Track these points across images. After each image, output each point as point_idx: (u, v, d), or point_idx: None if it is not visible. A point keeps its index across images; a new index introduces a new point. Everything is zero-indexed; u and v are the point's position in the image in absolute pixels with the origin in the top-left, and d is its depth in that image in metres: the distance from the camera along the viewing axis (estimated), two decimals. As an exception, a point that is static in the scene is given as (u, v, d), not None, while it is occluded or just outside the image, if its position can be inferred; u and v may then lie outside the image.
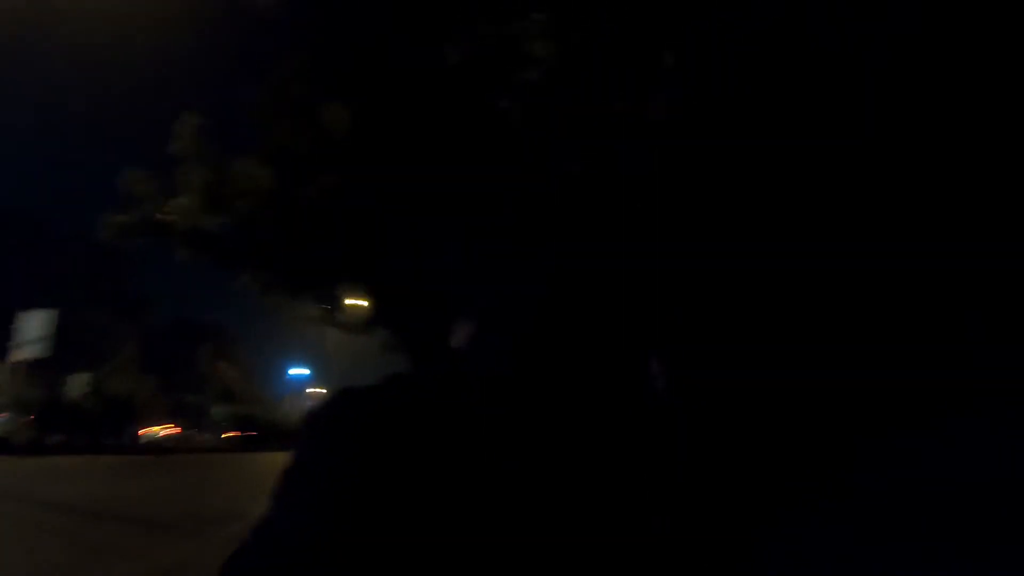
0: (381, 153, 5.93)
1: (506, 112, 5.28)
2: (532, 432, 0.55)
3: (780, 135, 4.24)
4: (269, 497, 0.56)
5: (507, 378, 0.59)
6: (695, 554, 0.54)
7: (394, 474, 0.53)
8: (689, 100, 4.44)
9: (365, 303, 11.25)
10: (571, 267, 0.61)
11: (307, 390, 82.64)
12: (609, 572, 0.52)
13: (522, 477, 0.53)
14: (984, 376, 4.04)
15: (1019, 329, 4.05)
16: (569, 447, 0.55)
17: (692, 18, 4.33)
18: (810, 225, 4.38)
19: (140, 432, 33.79)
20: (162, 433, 36.25)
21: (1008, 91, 3.78)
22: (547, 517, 0.52)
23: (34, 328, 25.71)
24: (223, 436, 40.33)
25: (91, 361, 33.56)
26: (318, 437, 0.58)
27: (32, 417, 23.79)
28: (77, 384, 28.21)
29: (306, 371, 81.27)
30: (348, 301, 11.48)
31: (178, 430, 38.70)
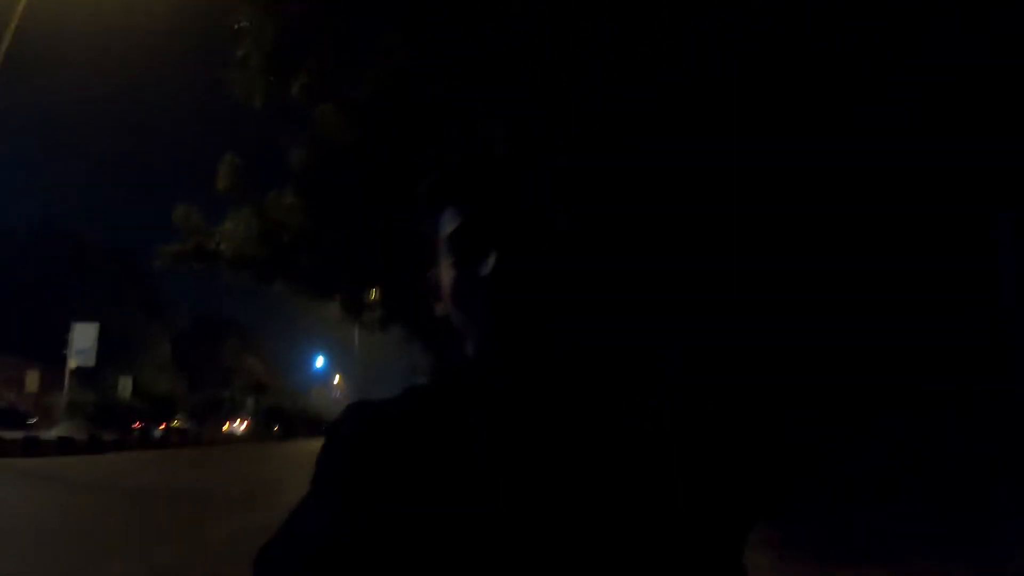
0: (390, 196, 7.16)
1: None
2: (543, 441, 0.56)
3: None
4: (301, 498, 0.60)
5: (516, 386, 0.60)
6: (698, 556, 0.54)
7: (406, 484, 0.55)
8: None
9: (381, 307, 12.64)
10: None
11: (334, 380, 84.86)
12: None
13: (532, 486, 0.54)
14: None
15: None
16: (581, 454, 0.55)
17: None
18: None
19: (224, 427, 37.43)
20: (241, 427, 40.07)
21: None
22: (557, 525, 0.52)
23: (83, 338, 28.41)
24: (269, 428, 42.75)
25: (127, 364, 35.72)
26: (336, 448, 0.61)
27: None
28: (123, 386, 30.60)
29: (324, 361, 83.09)
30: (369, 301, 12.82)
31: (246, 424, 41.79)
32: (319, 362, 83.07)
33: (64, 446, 17.06)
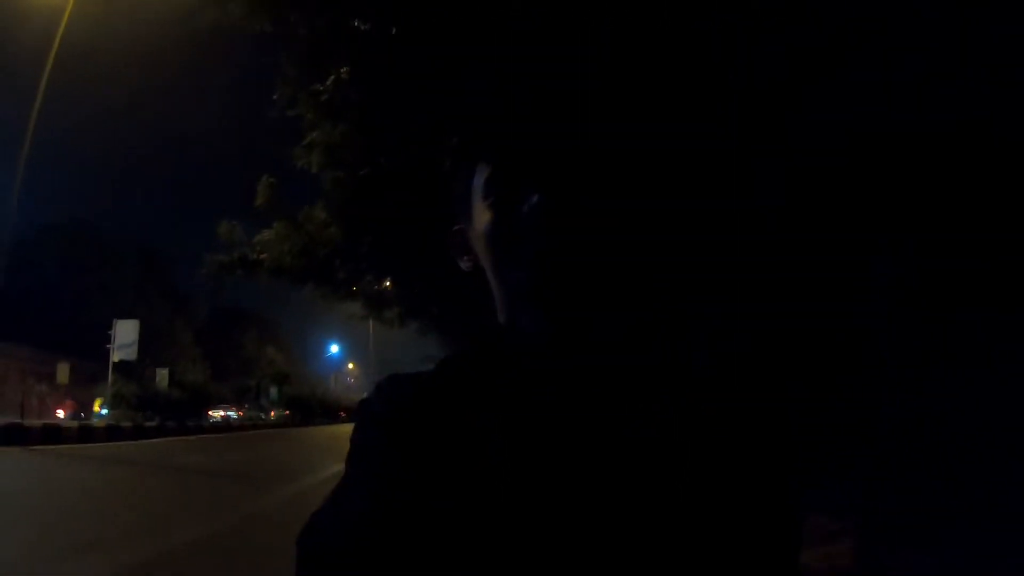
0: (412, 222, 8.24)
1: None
2: (579, 409, 0.54)
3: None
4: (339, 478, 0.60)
5: (552, 356, 0.58)
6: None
7: (441, 458, 0.54)
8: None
9: (398, 304, 14.02)
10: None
11: (348, 366, 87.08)
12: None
13: (567, 458, 0.52)
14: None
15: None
16: (612, 427, 0.53)
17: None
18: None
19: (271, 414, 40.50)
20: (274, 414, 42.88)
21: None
22: (590, 500, 0.50)
23: (126, 334, 30.52)
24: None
25: (155, 356, 37.59)
26: (370, 424, 0.60)
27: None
28: (161, 377, 32.70)
29: (339, 349, 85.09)
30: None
31: (286, 412, 44.45)
32: (334, 349, 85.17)
33: (113, 433, 18.75)
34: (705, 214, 4.54)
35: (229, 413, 37.93)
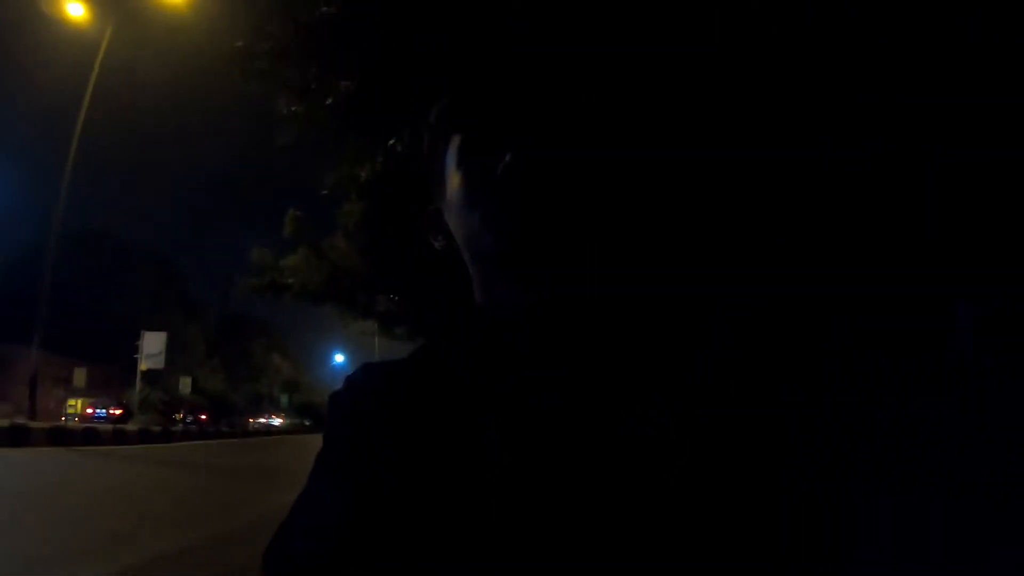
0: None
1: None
2: (561, 395, 0.49)
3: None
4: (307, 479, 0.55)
5: (526, 332, 0.53)
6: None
7: (420, 447, 0.50)
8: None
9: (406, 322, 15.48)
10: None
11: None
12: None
13: (553, 451, 0.47)
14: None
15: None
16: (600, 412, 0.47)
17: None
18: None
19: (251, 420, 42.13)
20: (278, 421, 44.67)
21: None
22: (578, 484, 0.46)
23: (154, 344, 32.61)
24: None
25: (172, 362, 39.28)
26: (338, 418, 0.57)
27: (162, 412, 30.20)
28: (184, 384, 34.76)
29: (344, 358, 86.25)
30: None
31: (306, 424, 46.54)
32: (339, 358, 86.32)
33: (144, 436, 20.34)
34: (717, 164, 3.66)
35: (272, 420, 40.03)
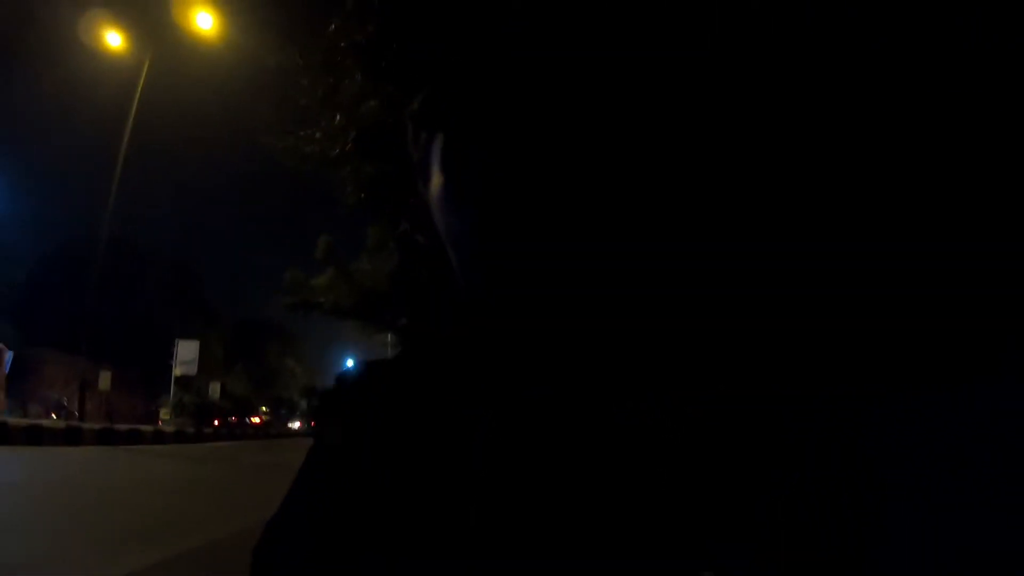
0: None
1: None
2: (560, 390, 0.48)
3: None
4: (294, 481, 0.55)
5: (499, 323, 0.52)
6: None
7: (409, 442, 0.50)
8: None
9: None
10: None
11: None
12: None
13: (540, 449, 0.47)
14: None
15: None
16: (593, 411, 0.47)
17: None
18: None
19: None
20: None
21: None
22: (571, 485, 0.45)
23: (188, 352, 34.64)
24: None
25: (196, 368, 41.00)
26: (328, 414, 0.57)
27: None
28: (213, 389, 36.79)
29: (354, 364, 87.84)
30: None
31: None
32: (349, 363, 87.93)
33: (179, 436, 22.02)
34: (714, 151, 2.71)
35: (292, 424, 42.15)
